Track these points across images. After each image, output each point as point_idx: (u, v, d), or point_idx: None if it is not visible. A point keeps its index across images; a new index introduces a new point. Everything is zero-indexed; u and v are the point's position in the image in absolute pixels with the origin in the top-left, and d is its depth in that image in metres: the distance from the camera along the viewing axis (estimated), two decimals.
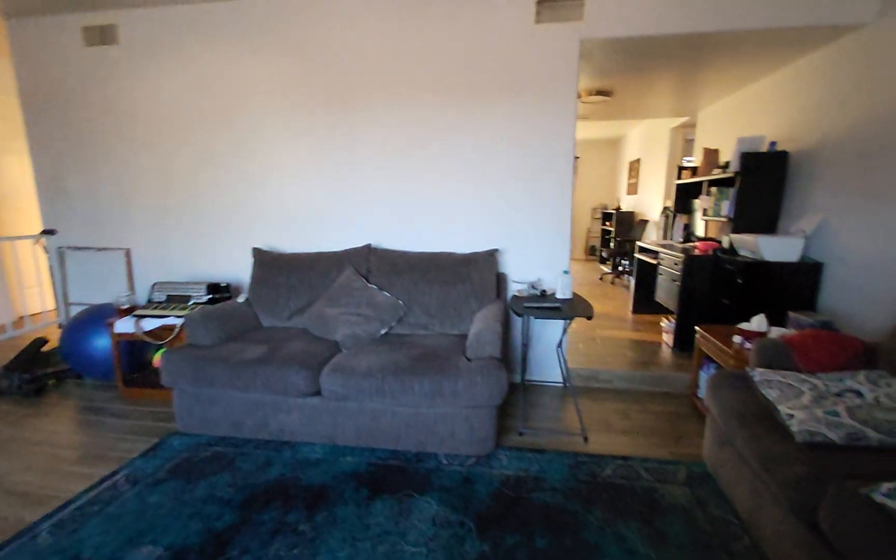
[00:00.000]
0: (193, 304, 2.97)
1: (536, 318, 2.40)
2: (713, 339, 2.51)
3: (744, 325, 2.50)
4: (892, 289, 2.28)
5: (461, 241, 3.03)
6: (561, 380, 3.08)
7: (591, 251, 9.45)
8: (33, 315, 4.59)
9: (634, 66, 3.38)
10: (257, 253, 3.01)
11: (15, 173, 4.51)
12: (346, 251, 2.94)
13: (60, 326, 3.56)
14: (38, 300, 4.43)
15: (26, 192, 4.57)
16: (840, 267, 2.66)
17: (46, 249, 3.54)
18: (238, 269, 3.30)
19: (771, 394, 1.71)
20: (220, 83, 3.10)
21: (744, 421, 1.67)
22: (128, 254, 3.43)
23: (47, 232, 3.50)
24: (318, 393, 2.22)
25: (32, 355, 3.20)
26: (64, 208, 3.46)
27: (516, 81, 2.81)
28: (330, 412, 2.21)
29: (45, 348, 3.28)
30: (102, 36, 3.16)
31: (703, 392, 2.64)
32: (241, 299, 2.87)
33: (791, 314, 2.51)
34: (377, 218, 3.10)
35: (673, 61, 3.21)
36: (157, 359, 2.83)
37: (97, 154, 3.35)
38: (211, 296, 3.01)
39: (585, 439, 2.38)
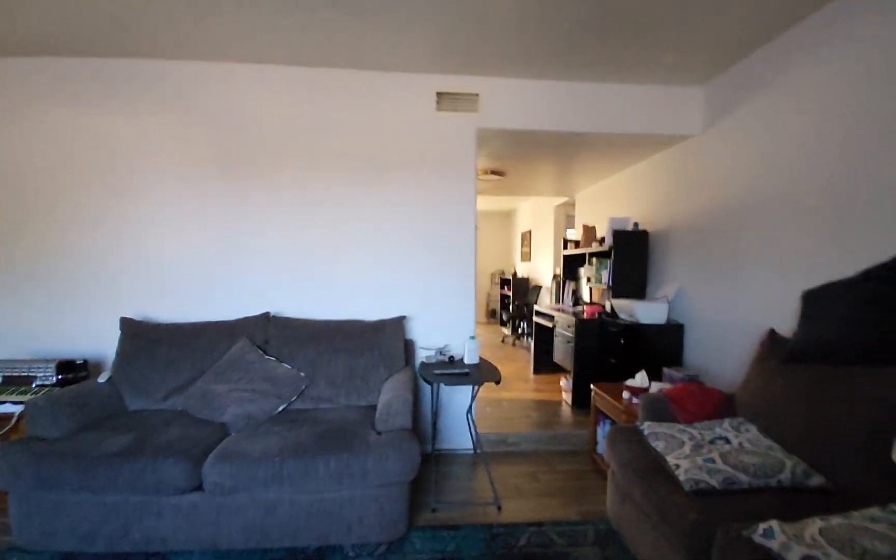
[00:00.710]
0: (38, 386, 2.42)
1: (446, 384, 2.39)
2: (606, 396, 2.72)
3: (630, 382, 2.76)
4: (735, 346, 2.72)
5: (368, 308, 2.96)
6: (471, 446, 3.05)
7: (491, 314, 9.90)
8: None
9: (522, 153, 3.81)
10: (126, 323, 2.60)
11: None
12: (239, 320, 2.68)
13: None
14: None
15: None
16: (696, 327, 3.12)
17: None
18: (100, 344, 2.80)
19: (659, 445, 1.87)
20: (92, 141, 2.77)
21: (639, 474, 1.79)
22: None
23: None
24: (198, 488, 1.89)
25: None
26: None
27: (421, 158, 2.97)
28: (213, 510, 1.89)
29: None
30: None
31: (601, 447, 2.81)
32: (102, 378, 2.41)
33: (665, 370, 2.84)
34: (278, 286, 2.91)
35: (552, 151, 3.70)
36: None
37: None
38: (62, 376, 2.49)
39: (499, 508, 2.34)
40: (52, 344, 2.79)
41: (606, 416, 2.80)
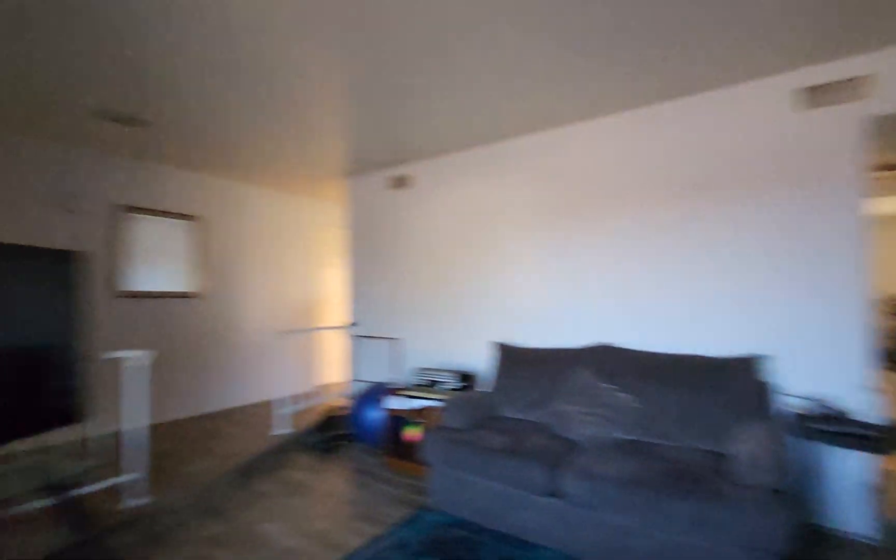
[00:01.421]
0: (446, 389, 3.47)
1: (833, 445, 1.92)
2: None
3: None
4: None
5: (710, 342, 2.74)
6: (866, 532, 2.28)
7: (888, 356, 6.95)
8: (328, 385, 6.09)
9: None
10: (500, 346, 3.36)
11: (331, 281, 6.33)
12: (581, 349, 3.01)
13: (348, 398, 4.62)
14: (332, 374, 5.94)
15: (335, 296, 6.32)
16: None
17: (349, 336, 4.77)
18: (473, 360, 3.74)
19: None
20: (475, 206, 3.81)
21: None
22: (400, 343, 4.32)
23: (353, 324, 4.73)
24: (553, 493, 2.23)
25: (328, 419, 4.23)
26: (363, 307, 4.66)
27: (771, 170, 2.56)
28: (569, 518, 2.18)
29: (336, 415, 4.29)
30: (400, 182, 4.35)
31: None
32: (483, 388, 3.22)
33: None
34: (611, 317, 3.11)
35: None
36: (407, 433, 3.36)
37: (386, 266, 4.46)
38: (463, 384, 3.48)
39: None
40: (444, 357, 3.94)
41: None
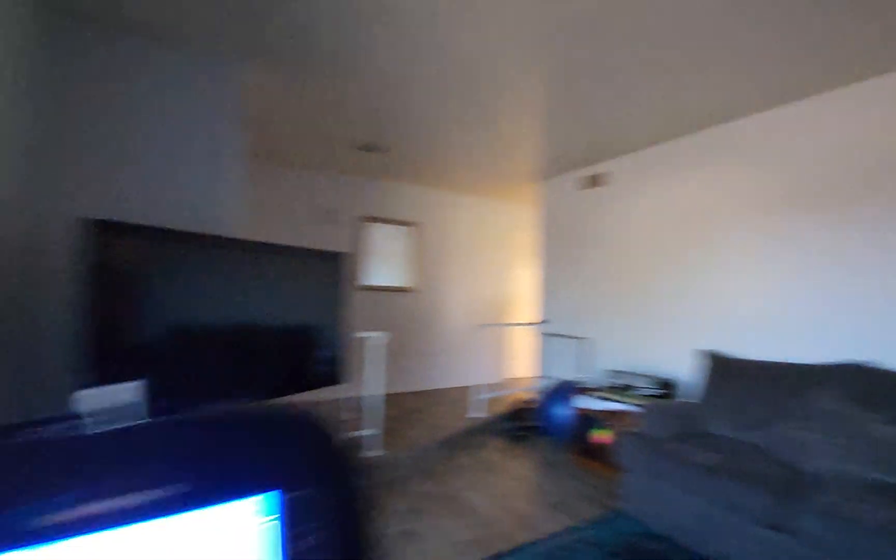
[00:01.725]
0: (642, 395, 3.29)
1: None
2: None
3: None
4: None
5: None
6: None
7: None
8: (518, 378, 6.38)
9: None
10: (711, 356, 3.01)
11: (523, 281, 6.63)
12: (825, 366, 2.47)
13: (536, 392, 4.78)
14: (520, 368, 6.21)
15: (526, 294, 6.59)
16: None
17: (539, 333, 4.94)
18: (674, 367, 3.41)
19: None
20: (681, 202, 3.49)
21: None
22: (590, 342, 4.27)
23: (543, 321, 4.90)
24: (777, 527, 1.91)
25: (518, 410, 4.47)
26: (553, 306, 4.76)
27: None
28: (793, 557, 1.85)
29: (525, 407, 4.49)
30: (594, 181, 4.30)
31: None
32: (689, 399, 2.94)
33: None
34: (868, 331, 2.45)
35: None
36: (596, 434, 3.29)
37: (577, 266, 4.46)
38: (663, 392, 3.25)
39: None
40: (639, 361, 3.70)
41: None
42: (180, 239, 2.00)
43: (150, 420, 0.55)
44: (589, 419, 3.44)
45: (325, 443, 0.62)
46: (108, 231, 1.75)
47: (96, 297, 1.70)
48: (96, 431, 0.51)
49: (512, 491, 3.00)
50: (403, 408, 4.67)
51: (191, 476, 0.50)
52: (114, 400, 0.54)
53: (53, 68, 2.18)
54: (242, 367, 2.21)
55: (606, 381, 3.65)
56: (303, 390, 2.58)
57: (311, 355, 2.64)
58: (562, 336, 4.58)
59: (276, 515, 0.54)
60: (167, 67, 2.44)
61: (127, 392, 0.57)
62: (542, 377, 4.80)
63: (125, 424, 0.52)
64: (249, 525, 0.53)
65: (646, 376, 3.36)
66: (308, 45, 2.42)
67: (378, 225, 5.33)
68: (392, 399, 4.90)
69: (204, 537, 0.50)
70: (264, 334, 2.33)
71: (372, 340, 3.39)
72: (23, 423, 0.54)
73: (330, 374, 2.71)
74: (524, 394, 5.06)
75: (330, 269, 2.75)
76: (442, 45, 2.39)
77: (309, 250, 2.64)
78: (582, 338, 4.33)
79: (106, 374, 1.66)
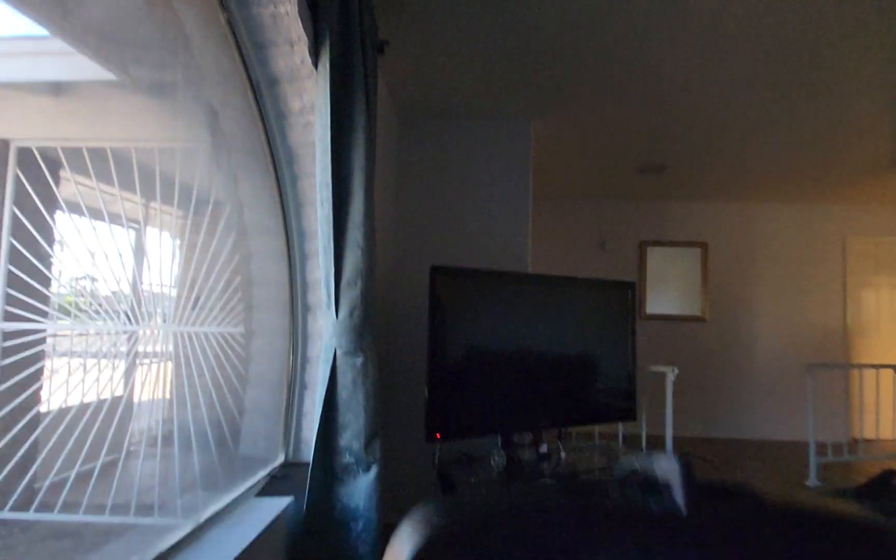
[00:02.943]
0: None
1: None
2: None
3: None
4: None
5: None
6: None
7: None
8: (867, 440, 4.60)
9: None
10: None
11: (869, 305, 4.84)
12: None
13: None
14: (878, 426, 4.40)
15: (877, 323, 4.76)
16: None
17: None
18: None
19: None
20: None
21: None
22: None
23: None
24: None
25: (882, 484, 3.16)
26: None
27: None
28: None
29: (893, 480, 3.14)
30: None
31: None
32: None
33: None
34: None
35: None
36: None
37: None
38: None
39: None
40: None
41: None
42: (488, 277, 2.31)
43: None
44: None
45: None
46: (439, 273, 2.16)
47: (434, 326, 2.11)
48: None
49: None
50: (699, 457, 4.03)
51: None
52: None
53: (401, 154, 2.95)
54: (541, 395, 2.37)
55: None
56: (594, 422, 2.57)
57: (605, 387, 2.61)
58: None
59: None
60: (477, 134, 2.93)
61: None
62: None
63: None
64: None
65: None
66: (595, 85, 2.49)
67: (657, 248, 4.90)
68: (682, 444, 4.31)
69: None
70: (560, 364, 2.43)
71: (657, 375, 3.08)
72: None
73: (623, 409, 2.61)
74: (889, 462, 3.62)
75: (619, 298, 2.66)
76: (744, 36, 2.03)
77: (598, 282, 2.64)
78: None
79: (435, 387, 2.05)
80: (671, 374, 2.96)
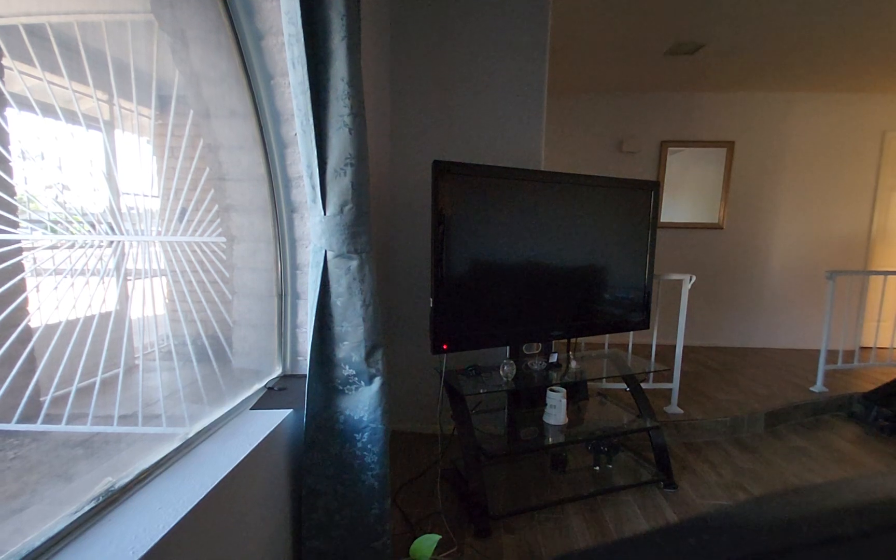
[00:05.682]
0: None
1: None
2: None
3: None
4: None
5: None
6: None
7: None
8: (880, 349, 4.55)
9: None
10: None
11: None
12: None
13: None
14: (887, 334, 4.33)
15: None
16: None
17: None
18: None
19: None
20: None
21: None
22: None
23: None
24: None
25: (893, 392, 3.15)
26: None
27: None
28: None
29: None
30: None
31: None
32: None
33: None
34: None
35: None
36: None
37: None
38: None
39: None
40: None
41: None
42: (498, 175, 2.08)
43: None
44: None
45: None
46: (443, 170, 1.93)
47: (438, 229, 1.93)
48: None
49: None
50: (703, 364, 4.05)
51: None
52: None
53: (396, 26, 2.59)
54: (550, 303, 2.27)
55: None
56: (607, 332, 2.50)
57: (619, 297, 2.50)
58: None
59: None
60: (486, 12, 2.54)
61: None
62: None
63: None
64: None
65: None
66: None
67: (679, 149, 4.54)
68: (688, 353, 4.32)
69: None
70: (572, 270, 2.31)
71: (672, 284, 2.96)
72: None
73: (638, 319, 2.53)
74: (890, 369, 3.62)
75: (639, 201, 2.46)
76: None
77: (618, 181, 2.41)
78: None
79: (441, 296, 1.95)
80: (688, 283, 2.84)
